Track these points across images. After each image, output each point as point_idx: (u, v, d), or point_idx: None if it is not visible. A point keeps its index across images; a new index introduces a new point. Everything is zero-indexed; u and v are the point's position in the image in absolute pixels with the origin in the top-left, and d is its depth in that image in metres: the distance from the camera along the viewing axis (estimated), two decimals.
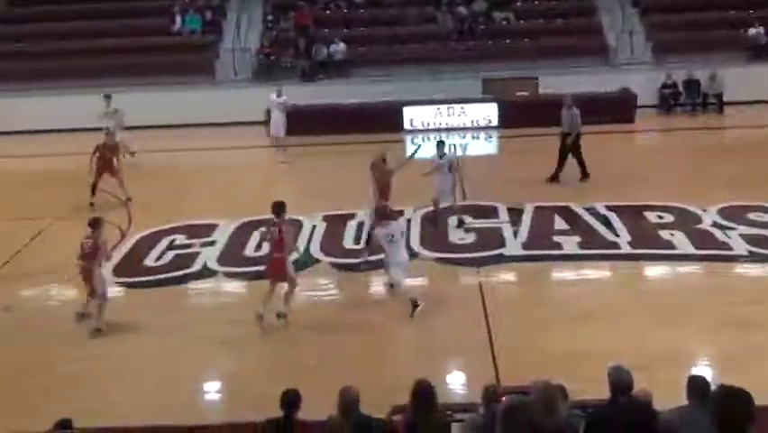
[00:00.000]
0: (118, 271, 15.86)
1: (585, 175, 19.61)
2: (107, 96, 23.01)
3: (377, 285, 14.55)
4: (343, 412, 7.29)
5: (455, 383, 11.56)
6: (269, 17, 29.85)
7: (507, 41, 28.51)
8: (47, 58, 28.14)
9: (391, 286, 13.87)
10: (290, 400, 7.71)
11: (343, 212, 17.82)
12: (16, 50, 28.68)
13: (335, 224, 17.36)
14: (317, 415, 7.64)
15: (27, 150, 22.64)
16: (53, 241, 17.28)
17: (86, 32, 29.33)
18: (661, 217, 17.00)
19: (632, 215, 17.14)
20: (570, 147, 19.52)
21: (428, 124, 25.62)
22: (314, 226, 17.24)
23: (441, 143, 17.61)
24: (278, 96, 23.25)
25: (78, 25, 29.68)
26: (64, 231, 17.58)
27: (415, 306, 13.21)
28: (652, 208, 17.43)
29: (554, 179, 19.53)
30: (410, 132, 25.34)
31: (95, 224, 13.63)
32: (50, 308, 14.82)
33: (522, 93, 25.84)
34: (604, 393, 6.95)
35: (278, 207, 13.41)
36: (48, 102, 26.07)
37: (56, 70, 27.44)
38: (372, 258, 14.48)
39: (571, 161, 19.57)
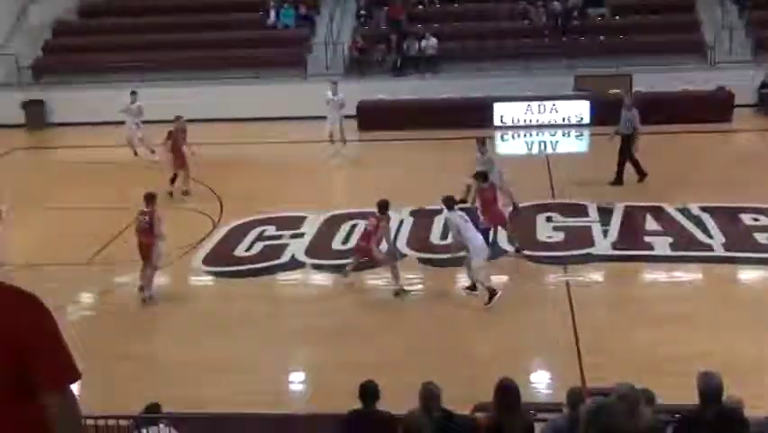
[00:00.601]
0: (209, 260, 16.21)
1: (619, 181, 19.05)
2: (133, 93, 23.24)
3: (464, 281, 14.53)
4: (425, 407, 7.30)
5: (539, 383, 11.48)
6: (362, 12, 30.00)
7: (602, 37, 28.05)
8: (144, 50, 28.74)
9: (472, 289, 13.89)
10: (369, 392, 7.75)
11: (431, 207, 17.79)
12: (115, 42, 29.37)
13: (423, 219, 17.35)
14: (399, 409, 7.67)
15: (120, 139, 23.11)
16: None
17: (182, 26, 29.89)
18: (757, 220, 16.53)
19: (727, 216, 16.72)
20: (625, 148, 19.06)
21: (518, 121, 25.37)
22: (401, 221, 17.26)
23: (480, 140, 17.66)
24: (334, 93, 23.07)
25: (175, 18, 30.26)
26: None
27: (492, 295, 13.35)
28: (747, 210, 16.97)
29: (643, 176, 19.11)
30: (500, 128, 25.15)
31: (150, 199, 14.33)
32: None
33: (615, 90, 25.40)
34: (693, 399, 6.81)
35: (383, 206, 14.21)
36: (143, 94, 26.62)
37: (152, 63, 28.01)
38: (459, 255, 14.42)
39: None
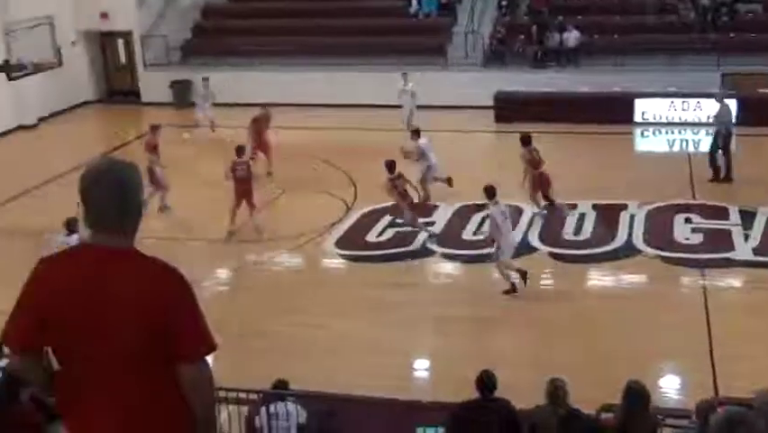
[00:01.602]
0: (341, 243, 16.46)
1: (717, 178, 18.77)
2: (205, 79, 25.00)
3: (596, 279, 14.32)
4: (551, 403, 7.24)
5: (669, 387, 11.21)
6: (504, 2, 29.73)
7: (752, 34, 26.96)
8: (289, 34, 29.24)
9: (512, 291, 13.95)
10: (485, 382, 7.71)
11: (565, 202, 17.54)
12: (261, 25, 30.00)
13: (556, 213, 17.12)
14: (525, 403, 7.64)
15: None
16: (282, 210, 18.10)
17: (327, 11, 30.25)
18: None
19: None
20: (719, 143, 18.81)
21: (660, 118, 24.65)
22: (533, 214, 17.10)
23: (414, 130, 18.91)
24: (405, 84, 23.47)
25: (320, 4, 30.65)
26: (292, 202, 18.36)
27: (523, 279, 13.72)
28: None
29: (717, 179, 18.74)
30: (641, 124, 24.49)
31: (241, 151, 17.10)
32: (278, 274, 15.61)
33: (765, 90, 24.41)
34: None
35: (392, 166, 16.16)
36: (285, 79, 27.20)
37: (295, 47, 28.52)
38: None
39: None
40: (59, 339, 3.41)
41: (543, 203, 17.07)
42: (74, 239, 13.00)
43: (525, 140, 17.19)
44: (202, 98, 25.13)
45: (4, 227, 17.76)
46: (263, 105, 21.37)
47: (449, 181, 18.10)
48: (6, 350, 4.94)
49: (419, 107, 23.36)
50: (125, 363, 3.38)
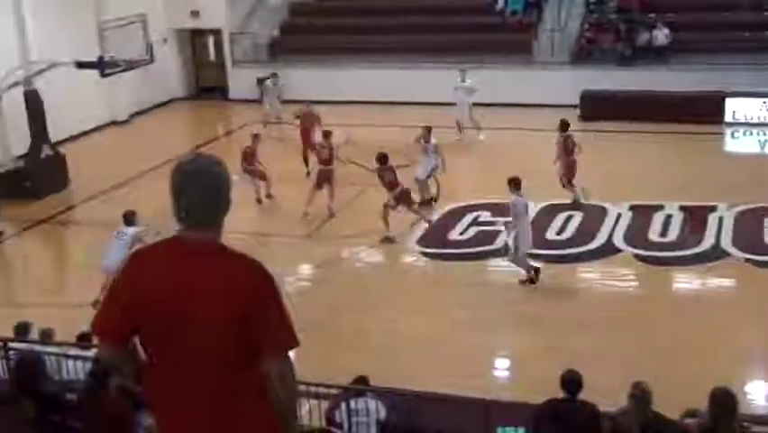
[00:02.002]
0: (423, 240, 16.49)
1: None
2: (274, 75, 26.06)
3: (682, 282, 14.06)
4: (635, 406, 7.16)
5: (756, 394, 10.97)
6: (592, 0, 29.33)
7: None
8: (374, 33, 29.34)
9: (531, 281, 14.18)
10: (571, 382, 7.64)
11: (651, 203, 17.30)
12: (348, 24, 30.17)
13: (642, 214, 16.88)
14: (605, 404, 7.57)
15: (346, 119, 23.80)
16: (364, 207, 18.16)
17: (413, 9, 30.22)
18: None
19: None
20: None
21: (752, 118, 24.03)
22: (619, 215, 16.88)
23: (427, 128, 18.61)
24: (463, 80, 23.34)
25: (406, 3, 30.67)
26: (374, 199, 18.40)
27: (533, 279, 14.03)
28: None
29: None
30: (731, 125, 23.91)
31: (328, 134, 17.97)
32: (360, 270, 15.71)
33: None
34: None
35: (382, 159, 16.53)
36: (370, 75, 27.34)
37: (381, 45, 28.61)
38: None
39: None
40: (148, 332, 3.51)
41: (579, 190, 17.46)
42: (130, 231, 13.65)
43: (564, 125, 17.82)
44: (270, 94, 25.58)
45: (95, 220, 18.25)
46: (307, 103, 21.46)
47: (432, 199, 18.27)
48: (96, 340, 5.10)
49: (496, 105, 23.34)
50: (212, 357, 3.46)
